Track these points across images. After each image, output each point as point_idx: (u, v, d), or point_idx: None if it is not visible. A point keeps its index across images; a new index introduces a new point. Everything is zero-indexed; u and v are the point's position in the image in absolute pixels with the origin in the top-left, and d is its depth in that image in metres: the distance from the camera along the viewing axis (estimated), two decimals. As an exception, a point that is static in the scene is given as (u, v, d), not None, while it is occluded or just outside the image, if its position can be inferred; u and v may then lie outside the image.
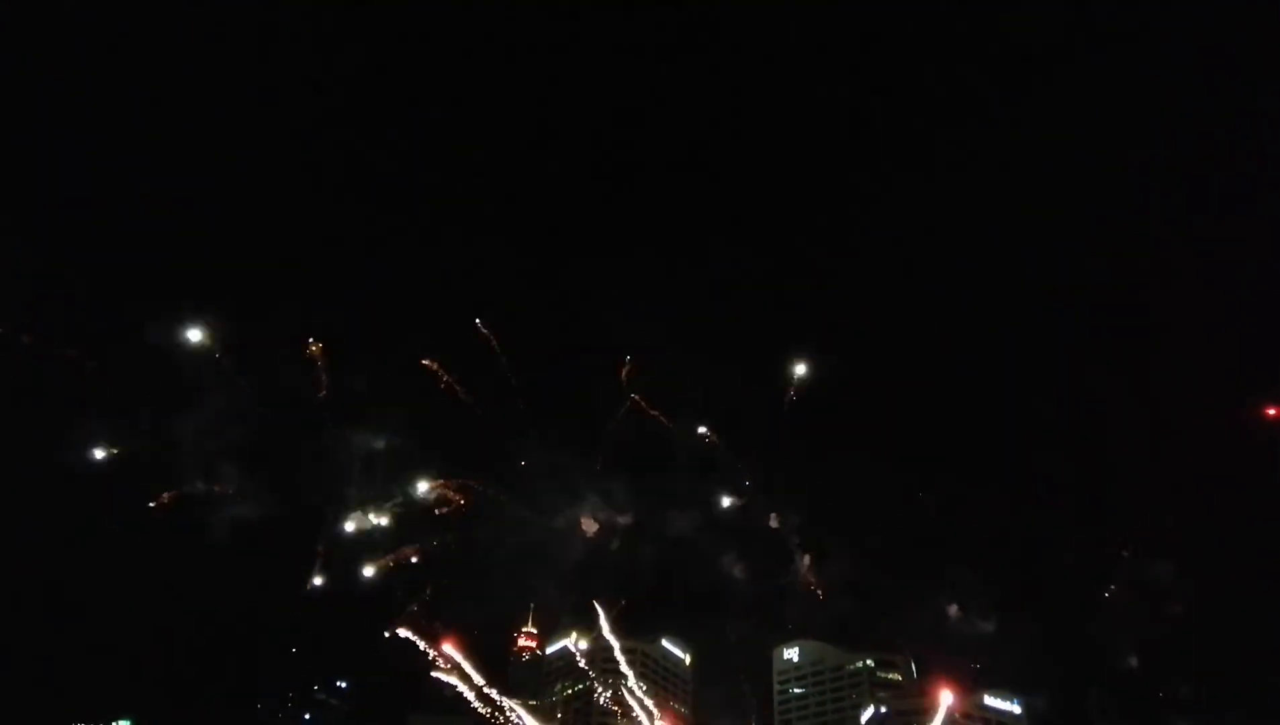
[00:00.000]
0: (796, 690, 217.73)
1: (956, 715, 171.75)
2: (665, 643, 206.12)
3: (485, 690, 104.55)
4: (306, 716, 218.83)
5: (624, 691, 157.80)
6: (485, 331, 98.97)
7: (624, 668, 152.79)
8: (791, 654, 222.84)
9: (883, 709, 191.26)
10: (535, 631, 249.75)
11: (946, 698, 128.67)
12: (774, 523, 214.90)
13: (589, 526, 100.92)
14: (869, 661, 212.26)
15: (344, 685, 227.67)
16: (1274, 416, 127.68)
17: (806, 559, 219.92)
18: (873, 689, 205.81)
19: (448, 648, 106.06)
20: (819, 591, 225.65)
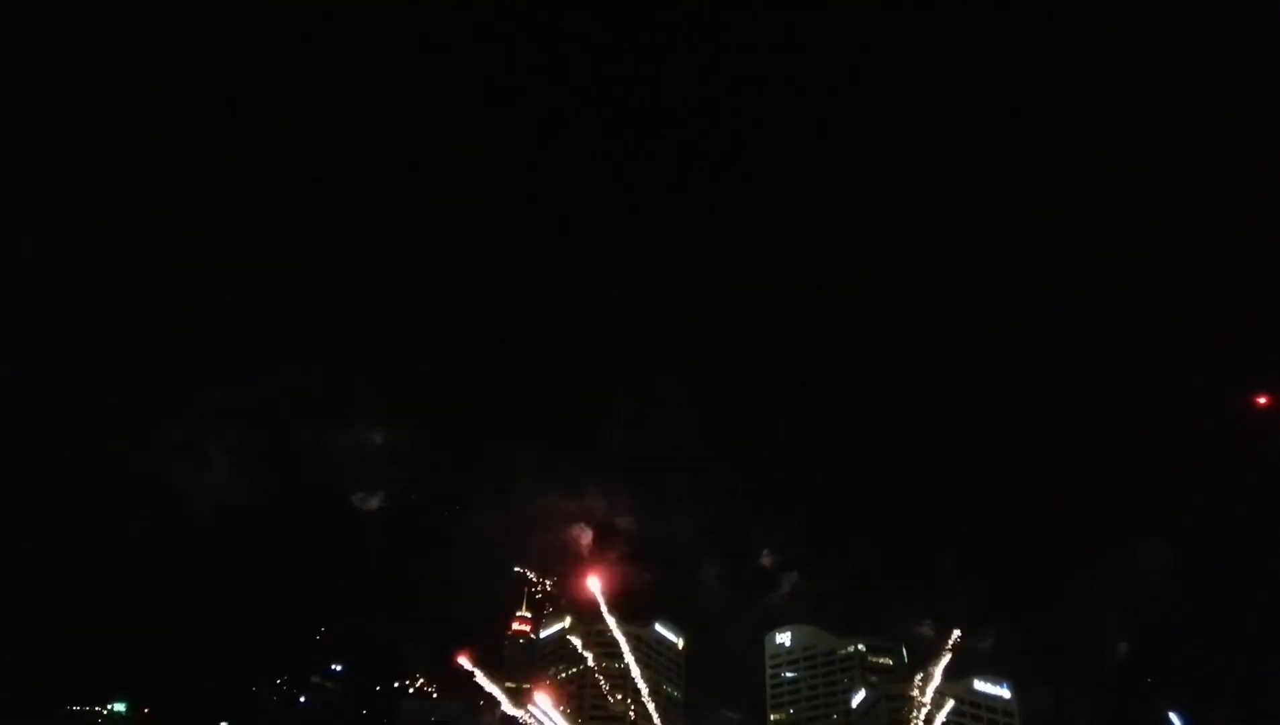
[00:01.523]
0: (788, 674, 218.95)
1: (947, 700, 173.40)
2: (658, 627, 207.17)
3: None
4: (301, 699, 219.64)
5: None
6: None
7: (624, 648, 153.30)
8: (784, 638, 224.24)
9: (874, 693, 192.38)
10: (529, 615, 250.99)
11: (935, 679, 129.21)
12: (765, 560, 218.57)
13: (583, 536, 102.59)
14: (860, 646, 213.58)
15: (338, 669, 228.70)
16: (1264, 405, 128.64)
17: (794, 575, 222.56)
18: (864, 673, 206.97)
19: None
20: (809, 594, 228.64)
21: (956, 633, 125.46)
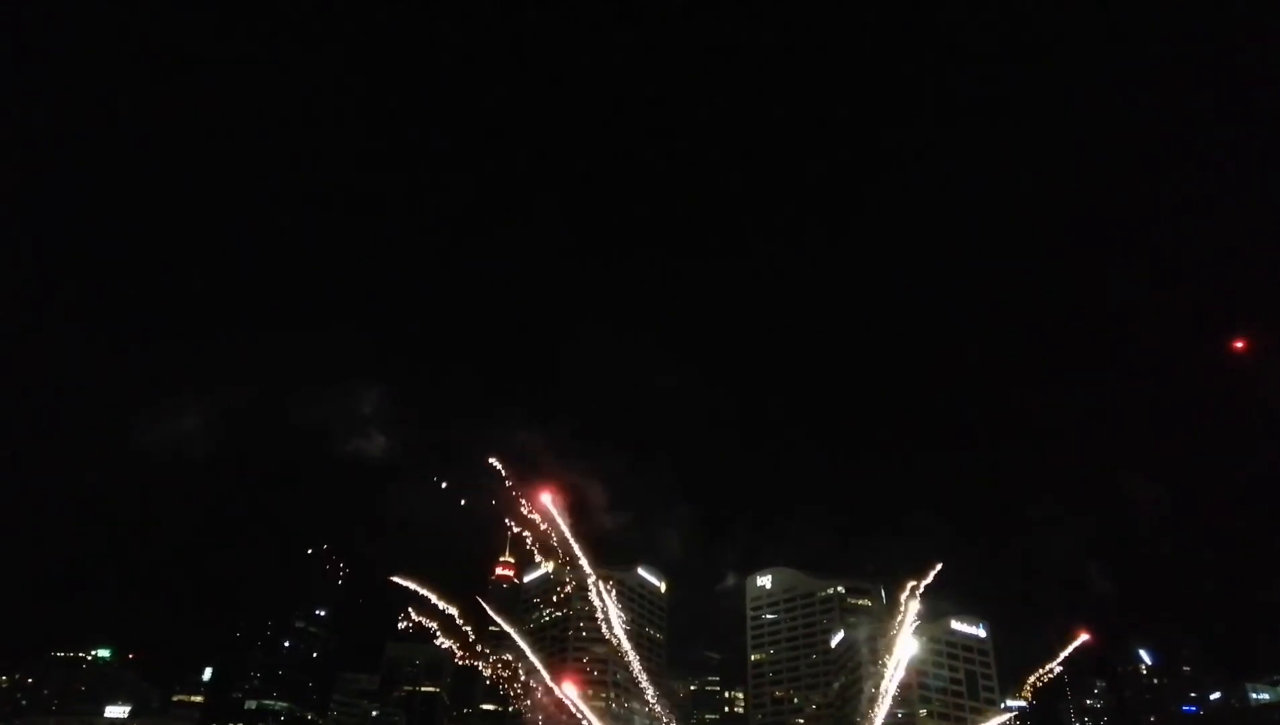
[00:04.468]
0: (769, 616, 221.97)
1: (925, 639, 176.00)
2: (641, 571, 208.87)
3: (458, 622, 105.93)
4: (286, 644, 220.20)
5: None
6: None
7: (602, 598, 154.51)
8: (764, 581, 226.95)
9: (853, 634, 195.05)
10: (513, 560, 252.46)
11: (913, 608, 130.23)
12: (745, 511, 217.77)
13: (558, 503, 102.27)
14: (840, 588, 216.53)
15: (323, 614, 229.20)
16: (1241, 349, 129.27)
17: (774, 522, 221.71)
18: (843, 614, 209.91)
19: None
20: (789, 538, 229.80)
21: (915, 584, 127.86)
